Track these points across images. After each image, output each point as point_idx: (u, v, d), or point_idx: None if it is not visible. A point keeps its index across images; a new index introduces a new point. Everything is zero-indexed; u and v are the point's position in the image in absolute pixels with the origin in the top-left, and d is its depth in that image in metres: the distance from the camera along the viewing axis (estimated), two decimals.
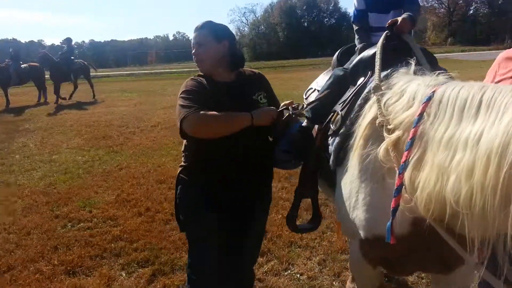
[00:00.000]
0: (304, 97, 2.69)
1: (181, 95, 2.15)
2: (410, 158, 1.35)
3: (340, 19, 63.31)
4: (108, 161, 6.82)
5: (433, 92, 1.34)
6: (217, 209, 2.22)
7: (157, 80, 26.02)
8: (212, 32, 2.25)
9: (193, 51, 2.25)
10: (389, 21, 1.98)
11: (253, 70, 2.39)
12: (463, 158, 1.12)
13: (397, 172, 1.40)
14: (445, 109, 1.27)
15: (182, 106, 2.08)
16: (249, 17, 71.76)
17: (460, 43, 52.39)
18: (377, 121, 1.55)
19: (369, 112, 1.67)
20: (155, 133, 9.02)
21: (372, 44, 2.11)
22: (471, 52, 34.28)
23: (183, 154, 2.33)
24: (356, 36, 2.22)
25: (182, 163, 2.34)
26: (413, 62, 1.68)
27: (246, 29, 70.27)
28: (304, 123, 2.15)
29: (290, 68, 31.15)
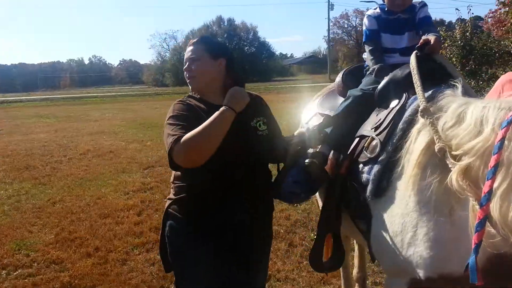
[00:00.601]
0: (304, 122, 2.52)
1: (168, 122, 1.91)
2: (496, 188, 1.23)
3: (260, 47, 65.71)
4: (36, 194, 6.03)
5: None
6: (217, 252, 1.94)
7: (76, 105, 24.42)
8: (209, 47, 2.05)
9: (185, 67, 2.02)
10: (422, 41, 1.92)
11: (250, 92, 2.18)
12: None
13: (475, 203, 1.28)
14: None
15: (169, 135, 1.83)
16: (170, 43, 71.43)
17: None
18: (437, 147, 1.43)
19: (420, 136, 1.55)
20: (86, 161, 8.26)
21: (387, 66, 2.04)
22: None
23: (173, 185, 2.04)
24: (370, 57, 2.12)
25: (172, 196, 2.04)
26: (459, 84, 1.61)
27: (167, 54, 69.78)
28: (320, 149, 1.97)
29: None
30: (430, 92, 1.63)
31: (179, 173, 1.99)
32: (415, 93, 1.70)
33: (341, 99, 2.33)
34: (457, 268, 1.38)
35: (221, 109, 1.84)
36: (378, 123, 1.78)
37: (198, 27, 65.71)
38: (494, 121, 1.31)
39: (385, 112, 1.81)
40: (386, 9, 2.17)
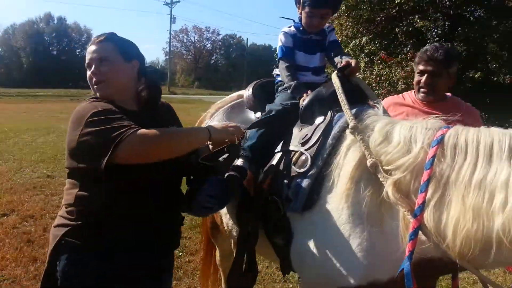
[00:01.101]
0: None
1: (97, 118, 1.58)
2: (428, 199, 1.37)
3: None
4: None
5: (443, 135, 1.43)
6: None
7: None
8: (120, 47, 1.79)
9: (92, 70, 1.71)
10: (344, 62, 2.03)
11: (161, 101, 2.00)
12: (508, 199, 1.21)
13: (407, 214, 1.40)
14: (464, 152, 1.36)
15: (112, 128, 1.54)
16: None
17: (204, 87, 59.82)
18: (369, 162, 1.52)
19: (350, 152, 1.63)
20: None
21: (303, 83, 2.11)
22: (216, 96, 39.17)
23: (70, 208, 1.67)
24: (286, 73, 2.15)
25: (69, 221, 1.67)
26: (380, 104, 1.76)
27: None
28: (239, 163, 1.91)
29: (42, 98, 27.69)
30: (354, 110, 1.74)
31: (84, 193, 1.64)
32: (339, 111, 1.80)
33: (250, 112, 2.32)
34: (387, 274, 1.50)
35: (203, 128, 1.75)
36: (305, 139, 1.81)
37: (20, 22, 57.93)
38: (423, 140, 1.47)
39: (311, 128, 1.85)
40: (301, 28, 2.25)
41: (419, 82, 2.46)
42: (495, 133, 1.35)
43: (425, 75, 2.41)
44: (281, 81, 2.26)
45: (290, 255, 1.79)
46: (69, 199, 1.68)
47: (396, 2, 12.38)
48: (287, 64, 2.17)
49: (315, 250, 1.65)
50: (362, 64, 12.99)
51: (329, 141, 1.74)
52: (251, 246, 1.89)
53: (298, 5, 2.22)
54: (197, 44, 67.72)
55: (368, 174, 1.55)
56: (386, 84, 12.06)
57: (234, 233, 2.16)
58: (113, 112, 1.62)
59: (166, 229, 1.81)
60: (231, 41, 73.60)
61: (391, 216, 1.49)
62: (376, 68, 12.64)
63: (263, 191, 1.84)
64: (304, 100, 1.94)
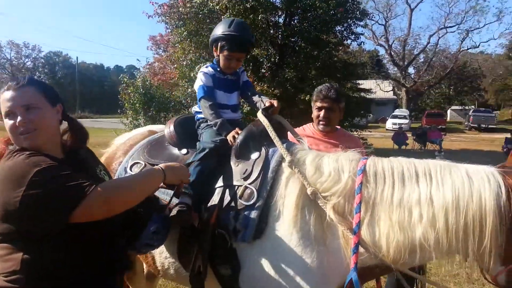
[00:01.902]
0: (122, 171, 2.34)
1: (40, 177, 1.45)
2: (362, 218, 1.72)
3: None
4: None
5: (364, 165, 1.80)
6: None
7: None
8: (43, 91, 1.68)
9: (19, 119, 1.56)
10: (268, 103, 2.26)
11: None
12: (422, 213, 1.63)
13: (346, 231, 1.73)
14: (383, 178, 1.75)
15: (70, 187, 1.46)
16: None
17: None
18: (309, 191, 1.80)
19: (290, 183, 1.89)
20: None
21: (226, 120, 2.27)
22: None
23: (17, 276, 1.48)
24: (209, 111, 2.25)
25: None
26: (304, 140, 2.06)
27: None
28: (182, 200, 1.97)
29: None
30: (284, 145, 2.00)
31: (31, 256, 1.47)
32: (270, 146, 2.05)
33: (174, 149, 2.37)
34: (336, 285, 1.79)
35: (155, 167, 1.71)
36: (246, 173, 1.98)
37: None
38: (349, 170, 1.82)
39: (248, 163, 2.03)
40: (218, 69, 2.43)
41: (318, 116, 2.90)
42: (403, 162, 1.79)
43: (323, 110, 2.86)
44: (202, 118, 2.39)
45: (238, 284, 1.93)
46: (10, 266, 1.48)
47: None
48: (210, 103, 2.32)
49: (268, 274, 1.84)
50: None
51: (269, 174, 1.96)
52: (202, 282, 1.95)
53: (215, 48, 2.41)
54: (14, 62, 59.38)
55: (309, 201, 1.83)
56: None
57: (172, 271, 2.17)
58: (58, 168, 1.52)
59: (119, 277, 1.75)
60: (56, 59, 67.00)
61: (333, 235, 1.80)
62: None
63: (209, 225, 1.94)
64: (238, 138, 2.12)
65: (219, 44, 2.37)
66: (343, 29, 15.22)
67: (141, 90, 13.22)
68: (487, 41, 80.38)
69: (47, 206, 1.43)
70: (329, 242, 1.80)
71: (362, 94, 17.59)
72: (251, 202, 1.91)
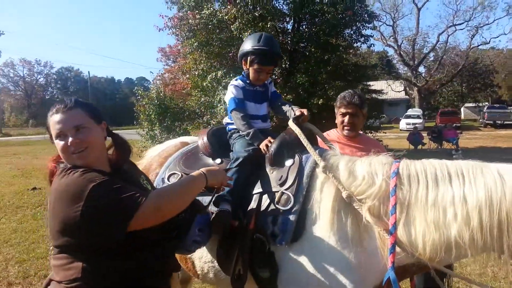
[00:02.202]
0: (160, 181, 2.46)
1: (97, 192, 1.55)
2: (398, 219, 1.79)
3: None
4: None
5: (397, 168, 1.87)
6: None
7: None
8: (89, 111, 1.79)
9: (70, 140, 1.66)
10: (299, 112, 2.35)
11: None
12: (457, 212, 1.69)
13: (382, 232, 1.79)
14: (417, 180, 1.81)
15: (120, 201, 1.56)
16: None
17: (42, 124, 53.85)
18: (344, 194, 1.88)
19: (325, 188, 1.97)
20: None
21: (258, 130, 2.38)
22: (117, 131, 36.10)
23: (79, 283, 1.58)
24: (241, 122, 2.37)
25: None
26: (336, 146, 2.14)
27: None
28: (222, 206, 2.08)
29: None
30: (317, 152, 2.08)
31: (92, 265, 1.58)
32: (303, 153, 2.14)
33: (208, 159, 2.48)
34: (373, 284, 1.85)
35: (197, 171, 1.80)
36: (282, 180, 2.08)
37: None
38: (383, 173, 1.89)
39: (283, 170, 2.12)
40: (247, 81, 2.54)
41: (342, 121, 2.98)
42: (435, 163, 1.86)
43: (347, 116, 2.94)
44: (234, 129, 2.49)
45: (277, 286, 2.00)
46: (72, 274, 1.58)
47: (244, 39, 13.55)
48: (241, 114, 2.43)
49: (307, 275, 1.92)
50: (223, 97, 13.78)
51: (304, 179, 2.05)
52: (243, 284, 2.04)
53: (245, 62, 2.52)
54: (27, 79, 60.68)
55: (345, 204, 1.90)
56: None
57: (211, 275, 2.26)
58: (111, 182, 1.62)
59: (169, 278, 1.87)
60: (68, 74, 68.35)
61: (370, 236, 1.86)
62: None
63: (248, 230, 2.03)
64: (271, 147, 2.21)
65: (249, 58, 2.48)
66: (352, 32, 15.27)
67: (156, 101, 13.48)
68: (497, 37, 79.26)
69: (105, 218, 1.53)
70: (366, 243, 1.87)
71: (374, 95, 17.58)
72: (288, 207, 1.99)
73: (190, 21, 13.70)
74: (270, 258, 2.00)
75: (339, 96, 3.05)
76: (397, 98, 41.18)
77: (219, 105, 14.31)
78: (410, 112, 34.89)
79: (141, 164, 2.90)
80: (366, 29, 15.64)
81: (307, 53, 14.69)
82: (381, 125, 22.42)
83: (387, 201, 1.83)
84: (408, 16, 56.40)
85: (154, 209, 1.59)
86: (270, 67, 2.55)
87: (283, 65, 14.42)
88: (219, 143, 2.55)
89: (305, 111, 2.38)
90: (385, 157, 2.00)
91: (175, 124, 13.91)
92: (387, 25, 36.87)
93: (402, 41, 38.95)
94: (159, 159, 2.72)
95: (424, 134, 18.88)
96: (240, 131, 2.42)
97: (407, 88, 43.21)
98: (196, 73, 15.00)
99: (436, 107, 46.70)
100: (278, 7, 14.76)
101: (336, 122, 3.09)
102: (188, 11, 14.00)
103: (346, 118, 2.95)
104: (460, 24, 37.14)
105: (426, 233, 1.74)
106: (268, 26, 13.81)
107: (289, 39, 15.30)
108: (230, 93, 2.54)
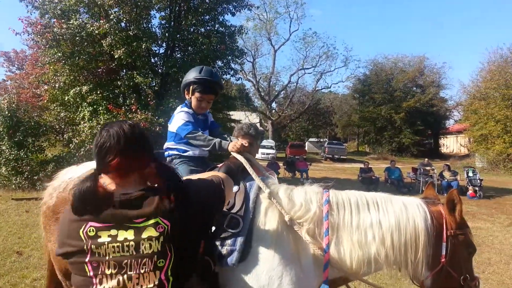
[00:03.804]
0: None
1: None
2: (330, 240, 2.14)
3: None
4: None
5: (328, 197, 2.23)
6: None
7: None
8: None
9: None
10: (240, 143, 2.49)
11: None
12: (375, 235, 2.12)
13: (317, 251, 2.12)
14: (343, 207, 2.19)
15: None
16: None
17: None
18: (287, 218, 2.15)
19: (269, 212, 2.20)
20: None
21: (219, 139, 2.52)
22: None
23: None
24: (203, 138, 2.51)
25: None
26: (274, 175, 2.40)
27: None
28: None
29: None
30: (261, 179, 2.32)
31: None
32: (246, 180, 2.34)
33: None
34: None
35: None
36: (230, 204, 2.22)
37: None
38: (317, 201, 2.23)
39: (231, 195, 2.27)
40: (192, 111, 2.64)
41: None
42: (356, 193, 2.28)
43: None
44: (175, 154, 2.56)
45: None
46: None
47: (116, 57, 13.10)
48: (199, 133, 2.55)
49: None
50: (87, 114, 12.90)
51: (250, 204, 2.24)
52: None
53: (187, 92, 2.63)
54: None
55: (286, 227, 2.17)
56: None
57: None
58: None
59: None
60: None
61: (306, 255, 2.16)
62: (102, 118, 12.80)
63: (201, 255, 2.11)
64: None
65: (191, 87, 2.62)
66: (222, 64, 16.09)
67: (6, 112, 11.85)
68: (337, 83, 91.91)
69: None
70: (303, 261, 2.16)
71: (233, 124, 18.53)
72: (238, 229, 2.16)
73: (55, 29, 12.61)
74: (215, 278, 2.13)
75: (236, 127, 3.29)
76: None
77: (82, 122, 13.36)
78: (264, 142, 37.68)
79: (52, 185, 2.70)
80: (235, 63, 16.66)
81: (180, 79, 14.87)
82: None
83: (321, 224, 2.17)
84: (266, 56, 61.50)
85: None
86: (211, 96, 2.72)
87: (156, 87, 14.30)
88: None
89: (245, 142, 2.61)
90: (316, 187, 2.35)
91: (27, 140, 12.40)
92: (247, 61, 39.64)
93: (260, 77, 42.29)
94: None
95: (280, 163, 20.72)
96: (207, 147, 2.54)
97: (262, 121, 46.75)
98: (57, 85, 13.77)
99: (285, 139, 51.54)
100: (153, 30, 14.72)
101: None
102: (54, 19, 12.89)
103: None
104: (308, 68, 42.22)
105: (353, 252, 2.12)
106: (143, 47, 13.66)
107: (162, 62, 15.31)
108: (180, 120, 2.62)
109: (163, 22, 15.25)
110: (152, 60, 15.39)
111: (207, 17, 15.27)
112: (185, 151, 2.74)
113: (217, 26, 15.50)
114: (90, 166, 2.75)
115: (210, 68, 2.83)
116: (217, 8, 15.06)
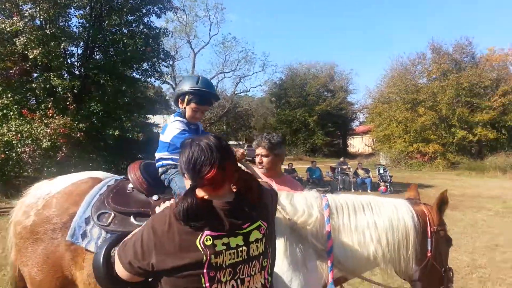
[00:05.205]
0: (89, 223, 2.19)
1: None
2: (334, 243, 2.30)
3: None
4: None
5: (327, 201, 2.38)
6: None
7: None
8: None
9: None
10: (239, 153, 2.48)
11: None
12: (372, 235, 2.30)
13: (323, 253, 2.27)
14: (342, 210, 2.34)
15: None
16: None
17: None
18: (292, 223, 2.25)
19: (275, 219, 2.28)
20: None
21: None
22: None
23: None
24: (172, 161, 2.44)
25: None
26: (273, 182, 2.47)
27: None
28: None
29: None
30: None
31: None
32: None
33: (139, 194, 2.41)
34: None
35: None
36: None
37: None
38: (317, 205, 2.37)
39: None
40: (186, 120, 2.61)
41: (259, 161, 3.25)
42: (351, 197, 2.45)
43: (259, 156, 3.26)
44: (170, 164, 2.51)
45: None
46: None
47: (31, 57, 12.09)
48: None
49: None
50: None
51: None
52: None
53: (181, 101, 2.61)
54: None
55: (291, 231, 2.27)
56: (30, 142, 11.35)
57: None
58: None
59: None
60: None
61: (310, 258, 2.29)
62: (13, 124, 11.65)
63: None
64: None
65: (187, 97, 2.60)
66: (148, 67, 15.61)
67: None
68: (255, 87, 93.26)
69: None
70: (308, 264, 2.28)
71: (153, 128, 17.69)
72: None
73: None
74: None
75: (258, 137, 3.31)
76: None
77: None
78: None
79: (24, 203, 2.51)
80: (160, 66, 16.27)
81: (102, 82, 14.09)
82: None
83: (323, 228, 2.32)
84: (186, 59, 60.70)
85: None
86: (206, 106, 2.72)
87: (76, 90, 13.37)
88: (153, 179, 2.51)
89: (240, 150, 2.66)
90: (314, 192, 2.49)
91: None
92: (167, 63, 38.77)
93: (179, 80, 41.48)
94: (69, 197, 2.43)
95: None
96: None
97: None
98: None
99: None
100: (72, 29, 13.79)
101: None
102: None
103: (257, 158, 3.30)
104: (228, 72, 42.57)
105: (354, 252, 2.30)
106: (61, 47, 12.73)
107: (80, 64, 14.39)
108: (174, 129, 2.57)
109: (82, 21, 14.34)
110: (70, 61, 14.40)
111: (131, 17, 14.72)
112: None
113: (141, 27, 15.01)
114: (64, 180, 2.59)
115: (207, 79, 2.82)
116: (142, 9, 14.58)
